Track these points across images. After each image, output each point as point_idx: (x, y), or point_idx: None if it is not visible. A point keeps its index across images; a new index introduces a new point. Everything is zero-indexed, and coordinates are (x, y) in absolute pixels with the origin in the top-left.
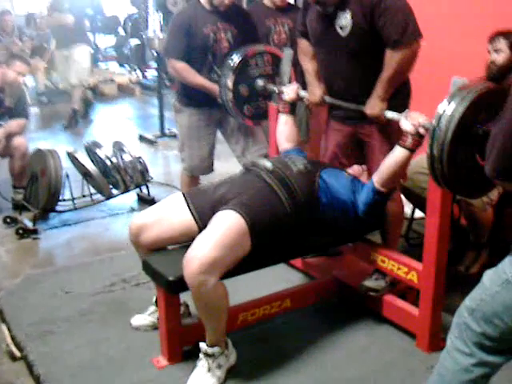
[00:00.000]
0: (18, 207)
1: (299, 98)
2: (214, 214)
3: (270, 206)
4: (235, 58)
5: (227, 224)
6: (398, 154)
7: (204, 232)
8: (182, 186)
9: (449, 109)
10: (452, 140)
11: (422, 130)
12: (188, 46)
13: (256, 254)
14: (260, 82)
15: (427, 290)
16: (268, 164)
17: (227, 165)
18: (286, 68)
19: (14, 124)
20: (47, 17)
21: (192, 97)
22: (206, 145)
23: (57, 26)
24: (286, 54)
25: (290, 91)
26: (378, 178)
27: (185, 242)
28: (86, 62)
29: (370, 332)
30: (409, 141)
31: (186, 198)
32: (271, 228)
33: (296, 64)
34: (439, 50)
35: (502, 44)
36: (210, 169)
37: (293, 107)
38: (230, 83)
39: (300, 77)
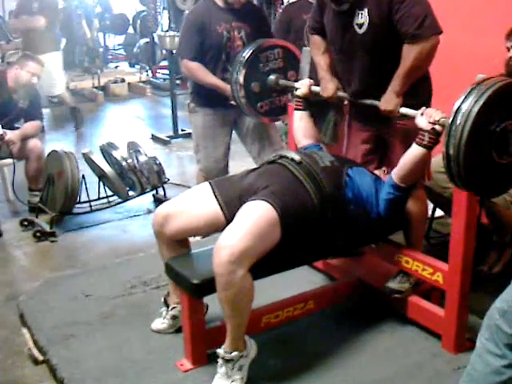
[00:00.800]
0: (35, 210)
1: (312, 94)
2: (241, 204)
3: (298, 197)
4: (245, 53)
5: (258, 214)
6: (415, 151)
7: (234, 221)
8: None
9: (465, 105)
10: (468, 138)
11: (438, 127)
12: (201, 44)
13: (282, 252)
14: (272, 77)
15: (453, 290)
16: (296, 156)
17: (241, 164)
18: (305, 66)
19: (29, 126)
20: (14, 20)
21: (206, 97)
22: (220, 145)
23: (25, 30)
24: (305, 53)
25: (302, 86)
26: (397, 174)
27: (210, 232)
28: (59, 70)
29: (394, 333)
30: (426, 139)
31: (212, 188)
32: (300, 219)
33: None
34: (460, 48)
35: None
36: (225, 170)
37: (307, 102)
38: (241, 78)
39: (314, 74)
